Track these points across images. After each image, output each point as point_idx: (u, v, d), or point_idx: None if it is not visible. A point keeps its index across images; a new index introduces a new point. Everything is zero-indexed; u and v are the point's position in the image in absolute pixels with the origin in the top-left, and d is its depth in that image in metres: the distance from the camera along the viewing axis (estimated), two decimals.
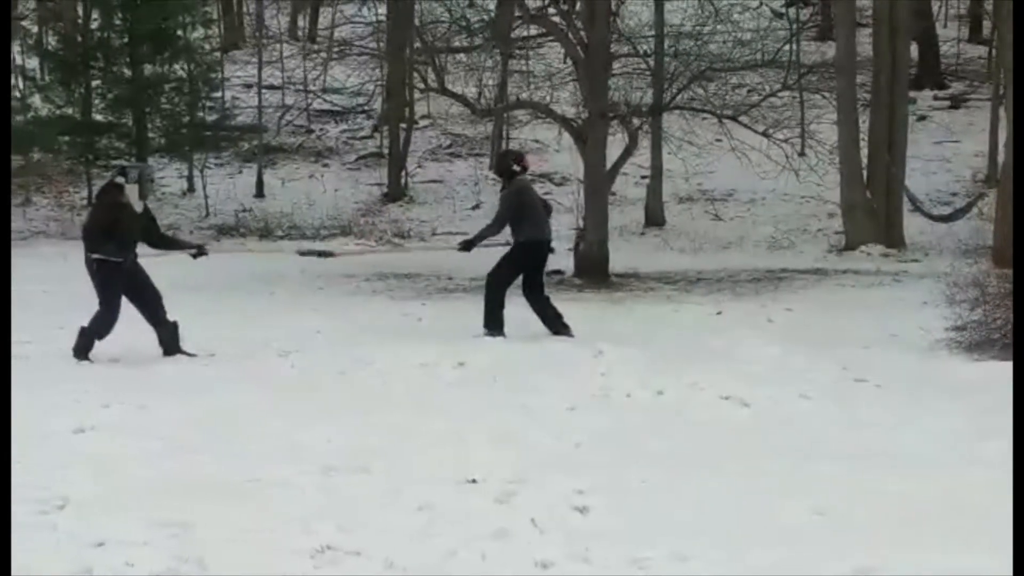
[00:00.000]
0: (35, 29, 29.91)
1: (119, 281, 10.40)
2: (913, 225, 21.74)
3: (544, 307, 11.74)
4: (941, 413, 7.73)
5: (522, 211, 11.73)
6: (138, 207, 10.54)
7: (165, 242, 11.30)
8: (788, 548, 5.14)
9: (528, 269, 11.74)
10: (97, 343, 10.36)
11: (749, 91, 22.64)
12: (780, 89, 20.61)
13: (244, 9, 35.69)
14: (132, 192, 10.49)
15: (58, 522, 5.53)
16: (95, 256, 10.36)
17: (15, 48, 29.58)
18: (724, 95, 20.58)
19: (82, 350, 10.26)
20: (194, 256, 11.39)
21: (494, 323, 11.49)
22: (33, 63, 28.86)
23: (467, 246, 12.08)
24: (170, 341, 10.51)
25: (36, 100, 26.24)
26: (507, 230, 11.88)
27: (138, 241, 10.61)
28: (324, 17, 34.41)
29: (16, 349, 10.37)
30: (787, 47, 24.26)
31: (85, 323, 10.38)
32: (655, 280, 17.60)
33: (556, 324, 11.64)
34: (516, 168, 12.07)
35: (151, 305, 10.58)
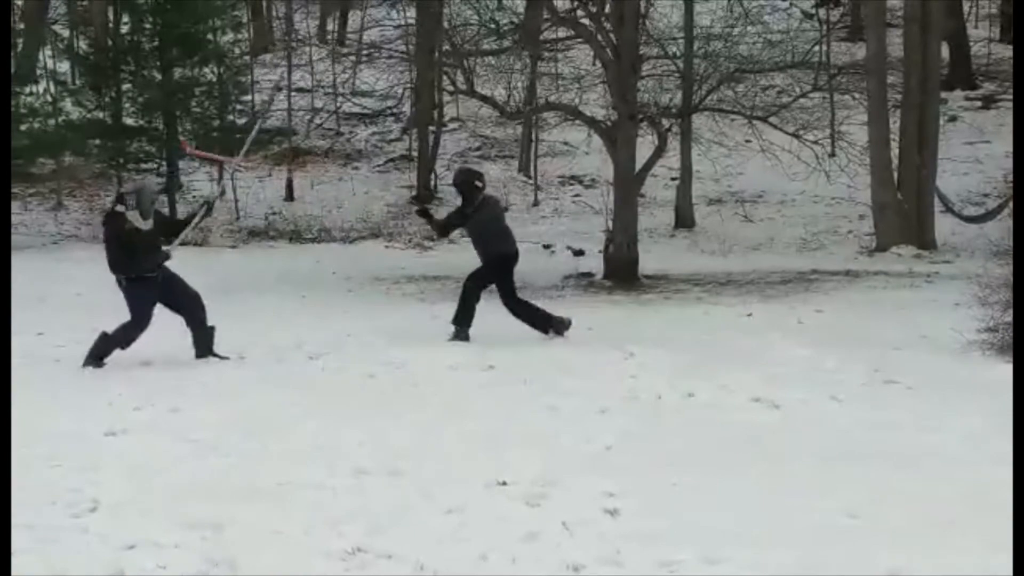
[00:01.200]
0: (66, 33, 30.13)
1: (151, 296, 10.44)
2: (944, 226, 21.62)
3: (528, 311, 11.85)
4: (972, 415, 7.69)
5: (492, 228, 11.93)
6: (145, 226, 10.51)
7: (181, 225, 11.38)
8: (818, 550, 5.13)
9: (501, 279, 11.85)
10: (118, 351, 10.32)
11: (779, 92, 22.57)
12: (810, 90, 20.53)
13: (273, 13, 35.79)
14: (135, 216, 10.48)
15: (90, 524, 5.56)
16: (124, 276, 10.42)
17: (47, 52, 29.80)
18: (754, 96, 20.53)
19: (97, 356, 10.20)
20: (207, 213, 11.37)
21: (465, 319, 11.59)
22: (64, 67, 29.07)
23: (425, 214, 12.94)
24: (204, 344, 10.53)
25: (67, 104, 26.39)
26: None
27: (160, 250, 10.61)
28: (353, 20, 34.50)
29: (49, 352, 10.47)
30: (817, 48, 24.22)
31: (109, 329, 10.36)
32: (685, 282, 17.56)
33: (547, 322, 11.73)
34: (479, 184, 12.10)
35: (192, 309, 10.62)
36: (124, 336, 10.35)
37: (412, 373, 9.49)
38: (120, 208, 10.64)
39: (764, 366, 9.54)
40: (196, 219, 11.32)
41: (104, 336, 10.32)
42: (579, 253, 20.95)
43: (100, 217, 24.44)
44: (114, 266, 10.47)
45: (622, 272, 17.64)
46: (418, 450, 6.88)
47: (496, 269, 11.83)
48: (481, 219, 11.93)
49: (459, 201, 12.29)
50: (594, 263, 18.68)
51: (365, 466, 6.49)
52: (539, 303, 12.53)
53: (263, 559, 5.05)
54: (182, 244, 11.14)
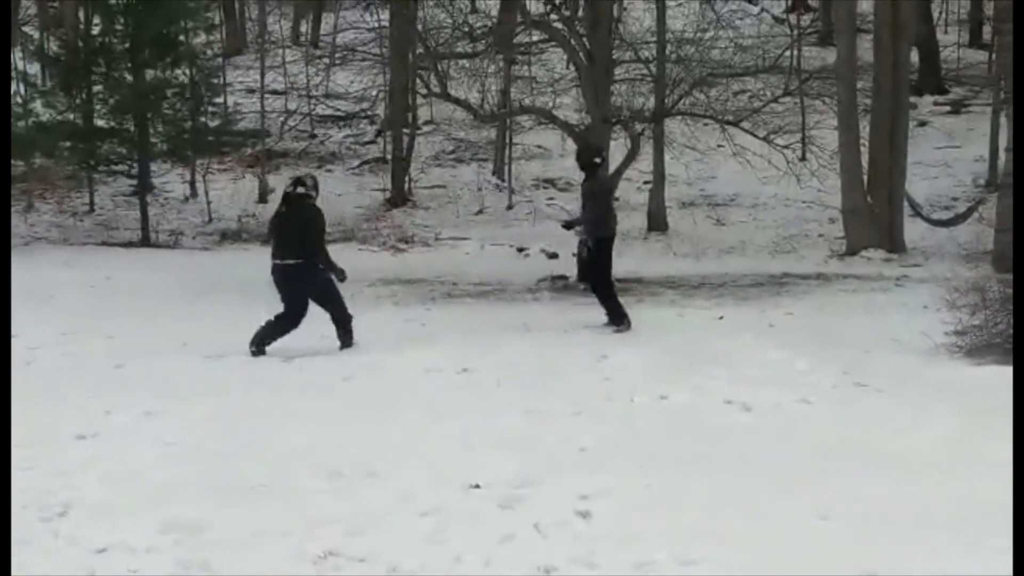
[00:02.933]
0: (36, 34, 29.97)
1: (319, 285, 10.92)
2: (914, 230, 21.74)
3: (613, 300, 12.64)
4: (942, 417, 7.75)
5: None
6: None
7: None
8: (791, 552, 5.17)
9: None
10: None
11: (751, 97, 22.68)
12: (781, 95, 20.65)
13: (246, 14, 35.72)
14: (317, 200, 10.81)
15: (61, 528, 5.56)
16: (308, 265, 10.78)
17: (16, 54, 29.65)
18: (726, 101, 20.63)
19: (260, 343, 10.70)
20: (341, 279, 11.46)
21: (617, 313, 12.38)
22: (34, 68, 28.88)
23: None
24: (346, 337, 11.02)
25: (38, 106, 26.19)
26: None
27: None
28: (327, 22, 34.47)
29: (22, 354, 10.41)
30: (788, 53, 24.35)
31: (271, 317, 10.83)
32: (658, 285, 17.60)
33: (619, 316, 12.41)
34: (598, 160, 12.86)
35: (336, 304, 11.08)
36: (289, 323, 10.80)
37: (388, 375, 9.50)
38: (302, 190, 10.88)
39: (736, 368, 9.58)
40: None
41: (271, 324, 10.77)
42: (553, 256, 20.98)
43: (71, 220, 24.47)
44: (308, 245, 10.80)
45: None
46: (394, 452, 6.90)
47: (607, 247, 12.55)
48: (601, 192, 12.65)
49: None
50: (568, 266, 18.68)
51: (341, 468, 6.50)
52: (513, 306, 12.60)
53: (236, 562, 5.07)
54: None
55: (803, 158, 22.47)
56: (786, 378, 9.19)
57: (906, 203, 21.91)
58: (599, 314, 12.65)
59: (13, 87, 27.82)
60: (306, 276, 10.87)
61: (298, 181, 11.27)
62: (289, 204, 11.06)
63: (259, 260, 20.69)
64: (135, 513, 5.68)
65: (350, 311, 11.21)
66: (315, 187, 11.17)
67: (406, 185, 26.22)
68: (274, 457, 6.79)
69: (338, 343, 11.07)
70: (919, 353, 10.48)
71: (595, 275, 12.72)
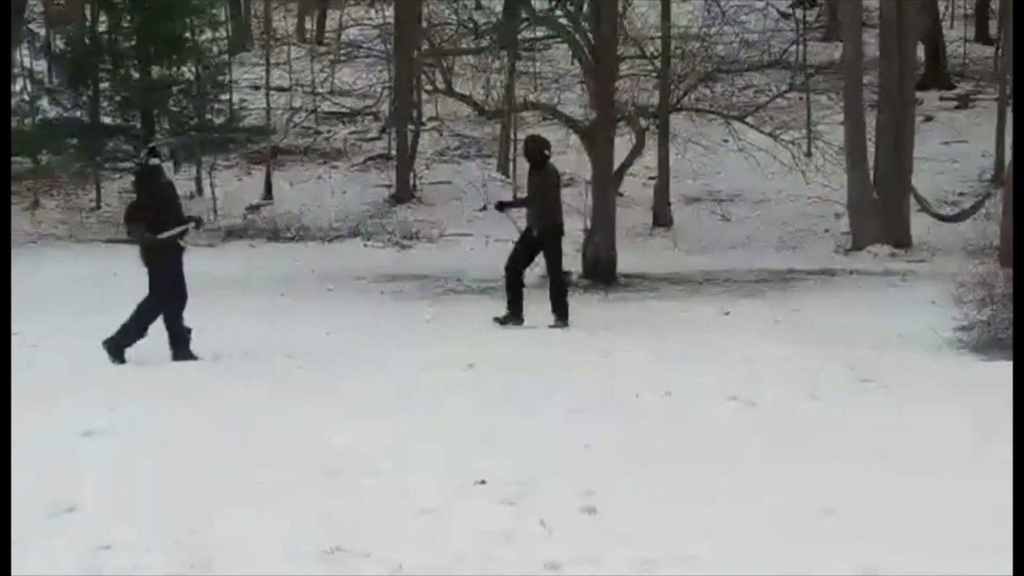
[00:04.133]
0: (43, 32, 29.97)
1: (180, 265, 10.42)
2: (920, 225, 21.71)
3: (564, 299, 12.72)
4: (948, 413, 7.73)
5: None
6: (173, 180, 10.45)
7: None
8: (795, 549, 5.16)
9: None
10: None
11: (756, 92, 22.65)
12: (787, 90, 20.64)
13: (252, 11, 35.70)
14: (168, 170, 10.34)
15: (65, 526, 5.55)
16: (162, 237, 10.26)
17: (23, 51, 29.66)
18: (731, 96, 20.60)
19: (185, 352, 10.25)
20: (195, 228, 11.11)
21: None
22: (41, 66, 28.91)
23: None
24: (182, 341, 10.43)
25: (44, 103, 26.26)
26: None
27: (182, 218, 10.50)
28: (332, 19, 34.44)
29: (26, 352, 10.41)
30: (794, 48, 24.31)
31: (168, 331, 10.32)
32: (662, 281, 17.59)
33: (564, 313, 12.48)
34: (547, 153, 12.91)
35: (183, 301, 10.49)
36: (176, 317, 10.30)
37: (391, 372, 9.49)
38: (155, 161, 10.43)
39: (741, 365, 9.57)
40: (189, 224, 11.02)
41: (172, 339, 10.29)
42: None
43: (78, 217, 24.49)
44: (153, 220, 10.28)
45: (600, 271, 17.66)
46: (396, 450, 6.89)
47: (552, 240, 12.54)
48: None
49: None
50: (572, 262, 18.66)
51: (342, 466, 6.49)
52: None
53: (239, 560, 5.06)
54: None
55: (809, 153, 22.42)
56: (792, 374, 9.18)
57: (912, 198, 21.87)
58: (602, 311, 12.65)
59: (20, 85, 27.85)
60: None
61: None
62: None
63: (265, 257, 20.77)
64: (138, 511, 5.67)
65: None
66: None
67: (410, 181, 26.20)
68: (275, 455, 6.77)
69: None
70: (926, 349, 10.47)
71: (556, 269, 12.74)
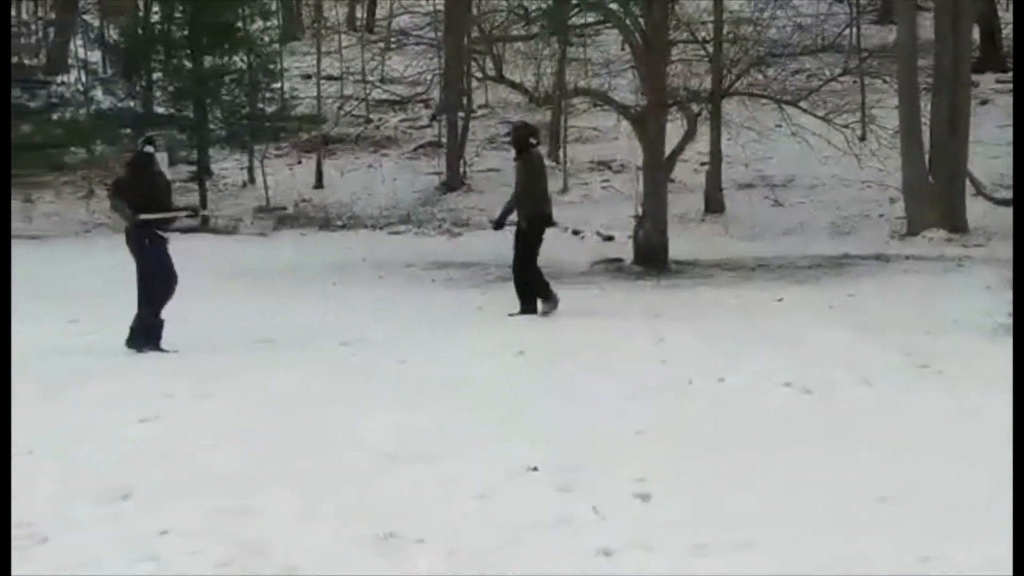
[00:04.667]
0: (96, 23, 30.24)
1: (167, 252, 10.31)
2: (976, 209, 21.47)
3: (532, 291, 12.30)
4: (1004, 399, 7.63)
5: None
6: (168, 174, 10.34)
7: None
8: (850, 535, 5.11)
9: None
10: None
11: (809, 76, 22.50)
12: (841, 74, 20.48)
13: (303, 0, 35.83)
14: (163, 160, 10.33)
15: (123, 511, 5.58)
16: (144, 218, 10.15)
17: (77, 42, 29.94)
18: (784, 80, 20.48)
19: (155, 341, 10.16)
20: (190, 216, 11.27)
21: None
22: (95, 56, 29.18)
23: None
24: (141, 333, 10.28)
25: (98, 93, 26.52)
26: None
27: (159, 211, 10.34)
28: (382, 7, 34.51)
29: (81, 340, 10.51)
30: (847, 31, 24.11)
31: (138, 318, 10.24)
32: (715, 267, 17.51)
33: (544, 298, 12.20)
34: (533, 141, 12.68)
35: (170, 291, 10.39)
36: (158, 305, 10.21)
37: (442, 358, 9.50)
38: (150, 149, 10.39)
39: (795, 351, 9.50)
40: (180, 213, 11.01)
41: (139, 318, 10.22)
42: (608, 239, 20.91)
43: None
44: (139, 209, 10.16)
45: (652, 257, 17.60)
46: (449, 435, 6.89)
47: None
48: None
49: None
50: (624, 249, 18.62)
51: (396, 451, 6.49)
52: (568, 289, 12.55)
53: (295, 544, 5.07)
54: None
55: (863, 138, 22.24)
56: (846, 360, 9.10)
57: (968, 182, 21.63)
58: (654, 297, 12.58)
59: (74, 75, 28.14)
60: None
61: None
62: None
63: (316, 245, 20.85)
64: (195, 496, 5.70)
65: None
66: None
67: (461, 169, 26.21)
68: (328, 440, 6.79)
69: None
70: (981, 334, 10.33)
71: (523, 255, 12.29)
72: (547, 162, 26.70)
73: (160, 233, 10.30)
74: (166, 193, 10.46)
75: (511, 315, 11.96)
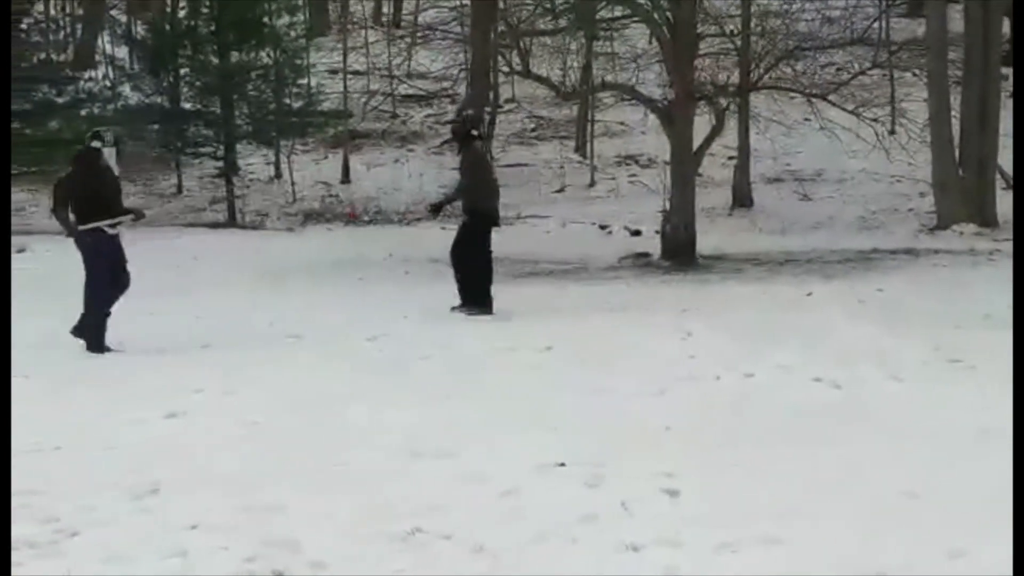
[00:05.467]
0: (124, 19, 30.36)
1: (106, 252, 10.14)
2: (1006, 203, 21.30)
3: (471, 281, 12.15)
4: None
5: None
6: (116, 170, 10.23)
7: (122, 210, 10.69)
8: (879, 531, 5.07)
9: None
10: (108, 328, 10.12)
11: (838, 69, 22.35)
12: (870, 67, 20.33)
13: None
14: (111, 155, 10.16)
15: (151, 506, 5.59)
16: (87, 227, 10.00)
17: (105, 38, 30.06)
18: (812, 74, 20.34)
19: (98, 342, 10.01)
20: (133, 220, 10.87)
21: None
22: (122, 52, 29.30)
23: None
24: (89, 330, 10.15)
25: (126, 89, 26.62)
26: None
27: (106, 209, 10.21)
28: (408, 2, 34.52)
29: (111, 335, 10.53)
30: (876, 24, 23.96)
31: (81, 318, 10.10)
32: (743, 262, 17.44)
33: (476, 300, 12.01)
34: (475, 133, 12.59)
35: (118, 287, 10.24)
36: (97, 306, 10.03)
37: (468, 355, 9.49)
38: (97, 144, 10.15)
39: (824, 345, 9.45)
40: (124, 217, 10.68)
41: (83, 320, 10.06)
42: (636, 233, 20.86)
43: (159, 201, 24.76)
44: (78, 204, 10.00)
45: (679, 252, 17.55)
46: (475, 431, 6.87)
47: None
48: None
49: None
50: (651, 243, 18.57)
51: (421, 447, 6.48)
52: (595, 284, 12.50)
53: (322, 539, 5.07)
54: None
55: (892, 131, 22.13)
56: (876, 355, 9.04)
57: (998, 176, 21.48)
58: (682, 292, 12.52)
59: (102, 71, 28.25)
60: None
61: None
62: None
63: (343, 240, 20.86)
64: (221, 492, 5.71)
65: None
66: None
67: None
68: (356, 436, 6.80)
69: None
70: (1012, 328, 10.24)
71: (464, 251, 12.13)
72: (573, 156, 26.80)
73: (106, 231, 10.12)
74: (115, 191, 10.28)
75: (453, 309, 11.84)
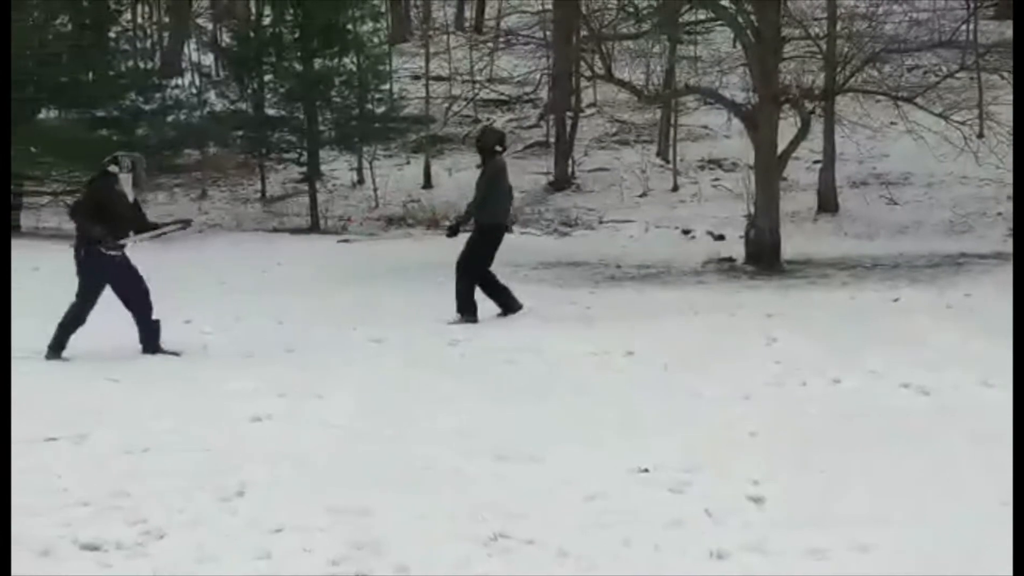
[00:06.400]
0: (210, 26, 30.72)
1: (105, 275, 10.07)
2: None
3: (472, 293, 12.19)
4: None
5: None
6: (131, 196, 10.15)
7: (148, 227, 10.63)
8: (971, 538, 4.99)
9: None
10: (74, 338, 10.03)
11: (925, 72, 22.06)
12: (958, 70, 19.99)
13: (411, 1, 36.06)
14: (126, 181, 10.12)
15: (238, 508, 5.63)
16: (88, 247, 9.96)
17: (191, 45, 30.45)
18: (899, 77, 20.07)
19: (57, 347, 9.94)
20: (182, 228, 10.86)
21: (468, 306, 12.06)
22: (208, 59, 29.67)
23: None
24: (151, 341, 10.14)
25: (211, 96, 26.94)
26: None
27: (129, 231, 10.23)
28: (491, 7, 34.58)
29: (197, 339, 10.65)
30: (964, 26, 23.59)
31: (63, 322, 10.03)
32: (829, 266, 17.25)
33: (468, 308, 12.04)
34: (499, 148, 12.49)
35: (139, 302, 10.16)
36: (74, 318, 9.98)
37: (551, 359, 9.47)
38: (114, 168, 10.14)
39: (913, 351, 9.32)
40: (166, 229, 10.76)
41: (59, 325, 10.01)
42: (719, 238, 20.71)
43: (243, 207, 25.01)
44: (81, 224, 9.98)
45: (764, 257, 17.39)
46: (558, 436, 6.85)
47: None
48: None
49: None
50: (735, 248, 18.42)
51: (505, 452, 6.47)
52: (679, 289, 12.40)
53: (406, 543, 5.07)
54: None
55: (980, 134, 21.74)
56: (965, 360, 8.91)
57: None
58: (766, 297, 12.40)
59: (188, 78, 28.62)
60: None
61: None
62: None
63: (424, 244, 20.93)
64: (307, 494, 5.74)
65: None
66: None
67: (569, 168, 26.16)
68: (437, 440, 6.80)
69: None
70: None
71: (469, 259, 12.17)
72: (655, 161, 26.69)
73: (110, 252, 10.05)
74: (126, 216, 10.20)
75: (450, 323, 11.76)
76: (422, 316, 12.09)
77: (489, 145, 12.61)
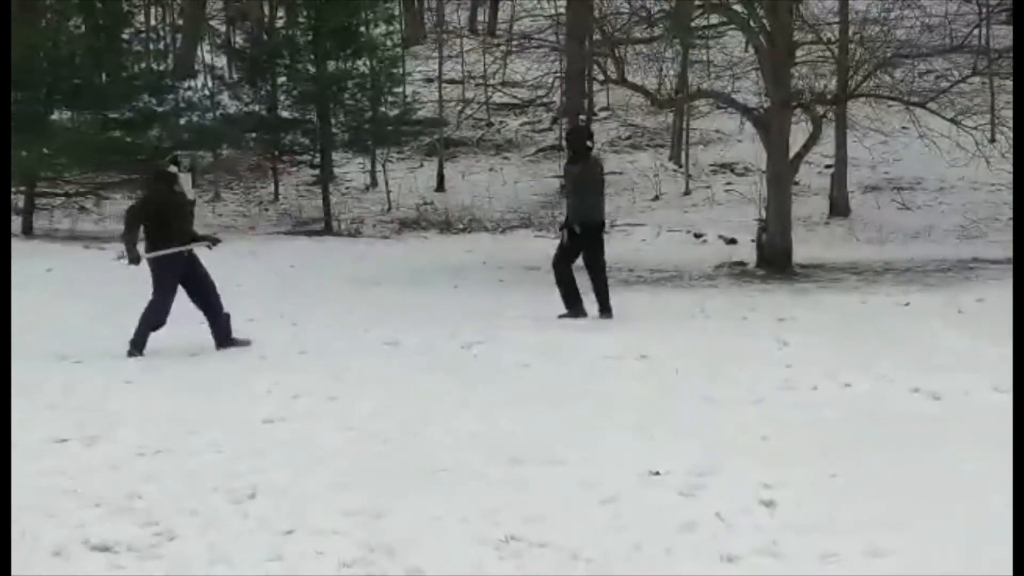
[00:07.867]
0: (222, 29, 30.80)
1: (178, 270, 10.24)
2: None
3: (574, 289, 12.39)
4: None
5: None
6: (190, 195, 10.23)
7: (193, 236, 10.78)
8: (982, 543, 4.99)
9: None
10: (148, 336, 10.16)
11: (937, 77, 22.02)
12: (970, 75, 19.98)
13: (425, 4, 36.12)
14: (185, 181, 10.16)
15: (250, 510, 5.65)
16: (153, 255, 10.13)
17: (204, 48, 30.53)
18: (911, 81, 20.06)
19: (139, 344, 10.08)
20: (209, 247, 10.95)
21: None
22: (221, 62, 29.74)
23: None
24: (222, 333, 10.40)
25: (224, 98, 27.00)
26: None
27: (191, 229, 10.34)
28: (504, 10, 34.63)
29: (212, 341, 10.66)
30: (976, 31, 23.56)
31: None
32: (840, 271, 17.26)
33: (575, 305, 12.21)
34: (589, 144, 12.57)
35: (207, 296, 10.37)
36: (152, 316, 10.12)
37: (564, 362, 9.48)
38: (173, 169, 10.21)
39: (923, 356, 9.33)
40: (195, 244, 10.71)
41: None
42: (731, 242, 20.73)
43: (256, 209, 25.05)
44: (149, 226, 10.08)
45: (775, 261, 17.41)
46: (571, 440, 6.86)
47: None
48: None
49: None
50: (747, 252, 18.44)
51: (519, 455, 6.48)
52: (691, 293, 12.43)
53: (420, 546, 5.09)
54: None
55: (992, 139, 21.73)
56: (976, 366, 8.91)
57: None
58: (778, 300, 12.41)
59: (201, 80, 28.70)
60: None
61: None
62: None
63: (437, 248, 20.98)
64: (319, 497, 5.75)
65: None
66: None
67: None
68: (451, 443, 6.81)
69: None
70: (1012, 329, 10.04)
71: (595, 262, 12.29)
72: (669, 164, 26.71)
73: (167, 255, 10.19)
74: (186, 215, 10.32)
75: (598, 318, 12.03)
76: (435, 319, 12.12)
77: (581, 143, 12.64)
